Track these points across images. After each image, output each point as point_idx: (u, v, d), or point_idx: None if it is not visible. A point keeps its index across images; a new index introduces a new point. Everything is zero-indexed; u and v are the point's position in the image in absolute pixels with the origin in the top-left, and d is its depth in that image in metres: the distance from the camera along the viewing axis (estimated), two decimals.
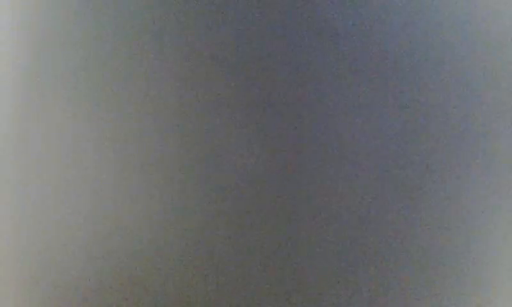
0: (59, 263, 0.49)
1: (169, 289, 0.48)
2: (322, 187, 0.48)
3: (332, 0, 0.48)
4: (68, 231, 0.49)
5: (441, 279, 0.49)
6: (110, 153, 0.49)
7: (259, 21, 0.48)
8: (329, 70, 0.48)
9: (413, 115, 0.49)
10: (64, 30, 0.50)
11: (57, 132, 0.49)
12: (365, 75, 0.48)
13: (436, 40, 0.49)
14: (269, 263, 0.48)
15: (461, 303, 0.49)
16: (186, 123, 0.48)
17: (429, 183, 0.48)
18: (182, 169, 0.48)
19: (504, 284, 0.50)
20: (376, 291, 0.48)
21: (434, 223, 0.49)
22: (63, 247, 0.49)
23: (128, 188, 0.48)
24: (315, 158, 0.48)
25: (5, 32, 0.51)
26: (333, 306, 0.48)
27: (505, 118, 0.50)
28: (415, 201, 0.48)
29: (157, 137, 0.48)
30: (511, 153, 0.50)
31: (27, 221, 0.50)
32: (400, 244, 0.48)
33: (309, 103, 0.48)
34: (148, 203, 0.48)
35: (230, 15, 0.48)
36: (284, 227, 0.48)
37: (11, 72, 0.51)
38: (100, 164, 0.49)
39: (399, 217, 0.48)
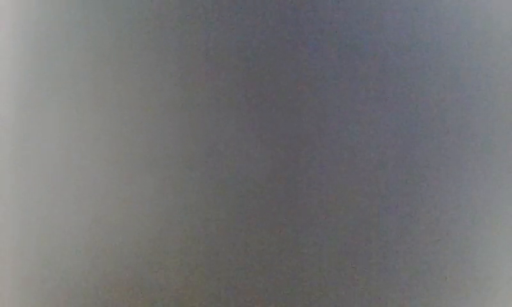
0: (59, 263, 0.49)
1: (169, 289, 0.48)
2: (322, 186, 0.48)
3: (332, 0, 0.48)
4: (68, 230, 0.49)
5: (441, 280, 0.49)
6: (110, 153, 0.49)
7: (259, 21, 0.48)
8: (329, 70, 0.48)
9: (413, 115, 0.49)
10: (64, 30, 0.50)
11: (57, 131, 0.49)
12: (365, 75, 0.48)
13: (437, 40, 0.49)
14: (269, 263, 0.48)
15: (461, 303, 0.49)
16: (187, 123, 0.48)
17: (429, 183, 0.48)
18: (182, 169, 0.48)
19: (504, 284, 0.50)
20: (376, 291, 0.48)
21: (435, 223, 0.49)
22: (63, 247, 0.49)
23: (128, 188, 0.48)
24: (316, 158, 0.48)
25: (5, 32, 0.51)
26: (333, 306, 0.48)
27: (505, 118, 0.50)
28: (415, 201, 0.48)
29: (158, 137, 0.48)
30: (511, 153, 0.50)
31: (27, 221, 0.50)
32: (400, 244, 0.48)
33: (309, 103, 0.48)
34: (149, 202, 0.48)
35: (230, 15, 0.48)
36: (285, 227, 0.48)
37: (11, 72, 0.51)
38: (100, 164, 0.49)
39: (400, 217, 0.48)
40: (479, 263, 0.49)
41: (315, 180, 0.48)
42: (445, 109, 0.49)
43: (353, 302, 0.48)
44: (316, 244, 0.48)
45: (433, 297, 0.48)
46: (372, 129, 0.48)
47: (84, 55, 0.49)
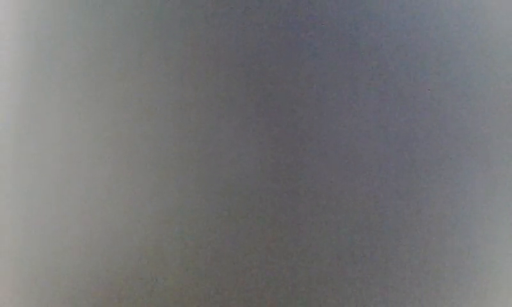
0: (60, 263, 0.49)
1: (169, 289, 0.48)
2: (322, 187, 0.48)
3: (332, 0, 0.48)
4: (68, 230, 0.49)
5: (441, 280, 0.49)
6: (110, 153, 0.49)
7: (259, 21, 0.48)
8: (329, 70, 0.48)
9: (413, 115, 0.49)
10: (64, 30, 0.50)
11: (57, 131, 0.49)
12: (365, 75, 0.48)
13: (437, 40, 0.49)
14: (269, 262, 0.48)
15: (461, 303, 0.49)
16: (186, 123, 0.48)
17: (429, 183, 0.49)
18: (182, 169, 0.48)
19: (504, 285, 0.50)
20: (376, 291, 0.48)
21: (435, 223, 0.49)
22: (63, 247, 0.49)
23: (128, 188, 0.48)
24: (316, 158, 0.48)
25: (5, 32, 0.51)
26: (333, 306, 0.48)
27: (505, 118, 0.50)
28: (415, 201, 0.48)
29: (158, 137, 0.48)
30: (511, 153, 0.50)
31: (28, 221, 0.50)
32: (400, 244, 0.48)
33: (309, 103, 0.48)
34: (148, 202, 0.48)
35: (230, 15, 0.48)
36: (285, 227, 0.48)
37: (11, 72, 0.51)
38: (100, 164, 0.49)
39: (400, 217, 0.48)
40: (479, 263, 0.49)
41: (315, 180, 0.48)
42: (445, 109, 0.49)
43: (353, 302, 0.48)
44: (316, 244, 0.48)
45: (433, 297, 0.48)
46: (372, 129, 0.48)
47: (85, 55, 0.49)
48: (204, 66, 0.48)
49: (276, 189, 0.48)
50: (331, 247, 0.48)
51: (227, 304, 0.48)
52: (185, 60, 0.48)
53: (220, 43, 0.48)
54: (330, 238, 0.48)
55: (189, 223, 0.48)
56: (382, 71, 0.48)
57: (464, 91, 0.49)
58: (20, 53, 0.50)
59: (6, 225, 0.50)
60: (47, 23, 0.50)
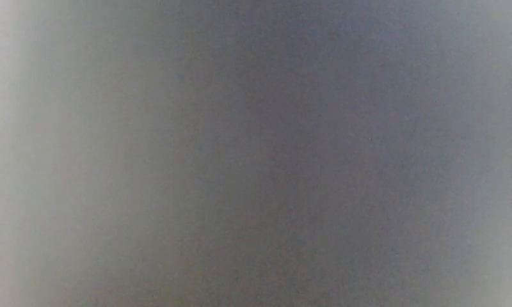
0: (60, 263, 0.49)
1: (169, 289, 0.48)
2: (322, 187, 0.48)
3: (332, 0, 0.48)
4: (68, 230, 0.49)
5: (441, 280, 0.49)
6: (110, 153, 0.49)
7: (259, 21, 0.48)
8: (329, 70, 0.48)
9: (413, 115, 0.49)
10: (64, 30, 0.50)
11: (57, 131, 0.49)
12: (365, 75, 0.48)
13: (437, 40, 0.49)
14: (269, 263, 0.48)
15: (461, 303, 0.49)
16: (186, 123, 0.48)
17: (429, 183, 0.48)
18: (182, 169, 0.48)
19: (504, 284, 0.50)
20: (376, 291, 0.48)
21: (435, 223, 0.49)
22: (62, 247, 0.49)
23: (128, 188, 0.48)
24: (316, 158, 0.48)
25: (5, 32, 0.51)
26: (333, 306, 0.48)
27: (505, 118, 0.50)
28: (416, 201, 0.48)
29: (158, 138, 0.48)
30: (511, 153, 0.50)
31: (27, 221, 0.50)
32: (400, 244, 0.48)
33: (309, 103, 0.48)
34: (148, 202, 0.48)
35: (231, 15, 0.48)
36: (284, 227, 0.48)
37: (11, 72, 0.51)
38: (100, 164, 0.49)
39: (399, 217, 0.48)
40: (479, 262, 0.49)
41: (315, 180, 0.48)
42: (445, 109, 0.49)
43: (353, 302, 0.48)
44: (316, 244, 0.48)
45: (433, 297, 0.48)
46: (372, 129, 0.48)
47: (84, 55, 0.49)
48: (204, 66, 0.48)
49: (276, 189, 0.48)
50: (331, 247, 0.48)
51: (227, 304, 0.48)
52: (185, 60, 0.48)
53: (220, 43, 0.48)
54: (330, 238, 0.48)
55: (189, 223, 0.48)
56: (382, 72, 0.48)
57: (464, 91, 0.49)
58: (20, 53, 0.50)
59: (6, 225, 0.50)
60: (47, 23, 0.50)
